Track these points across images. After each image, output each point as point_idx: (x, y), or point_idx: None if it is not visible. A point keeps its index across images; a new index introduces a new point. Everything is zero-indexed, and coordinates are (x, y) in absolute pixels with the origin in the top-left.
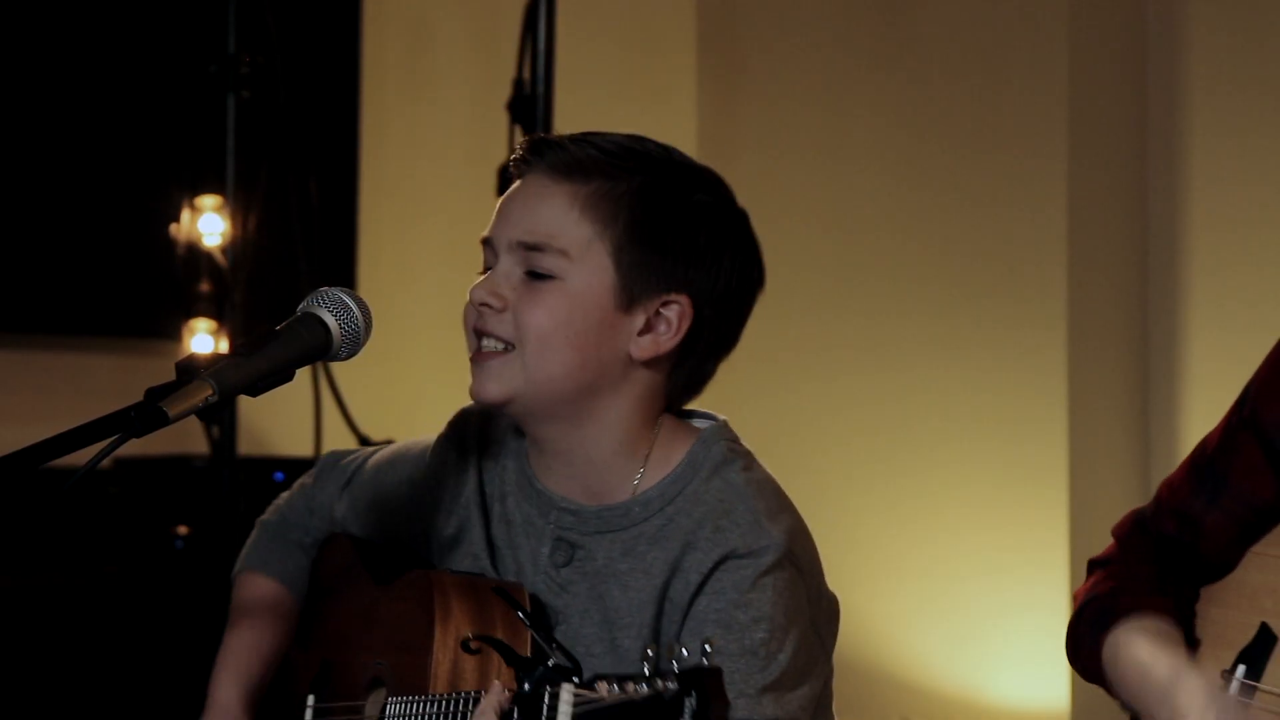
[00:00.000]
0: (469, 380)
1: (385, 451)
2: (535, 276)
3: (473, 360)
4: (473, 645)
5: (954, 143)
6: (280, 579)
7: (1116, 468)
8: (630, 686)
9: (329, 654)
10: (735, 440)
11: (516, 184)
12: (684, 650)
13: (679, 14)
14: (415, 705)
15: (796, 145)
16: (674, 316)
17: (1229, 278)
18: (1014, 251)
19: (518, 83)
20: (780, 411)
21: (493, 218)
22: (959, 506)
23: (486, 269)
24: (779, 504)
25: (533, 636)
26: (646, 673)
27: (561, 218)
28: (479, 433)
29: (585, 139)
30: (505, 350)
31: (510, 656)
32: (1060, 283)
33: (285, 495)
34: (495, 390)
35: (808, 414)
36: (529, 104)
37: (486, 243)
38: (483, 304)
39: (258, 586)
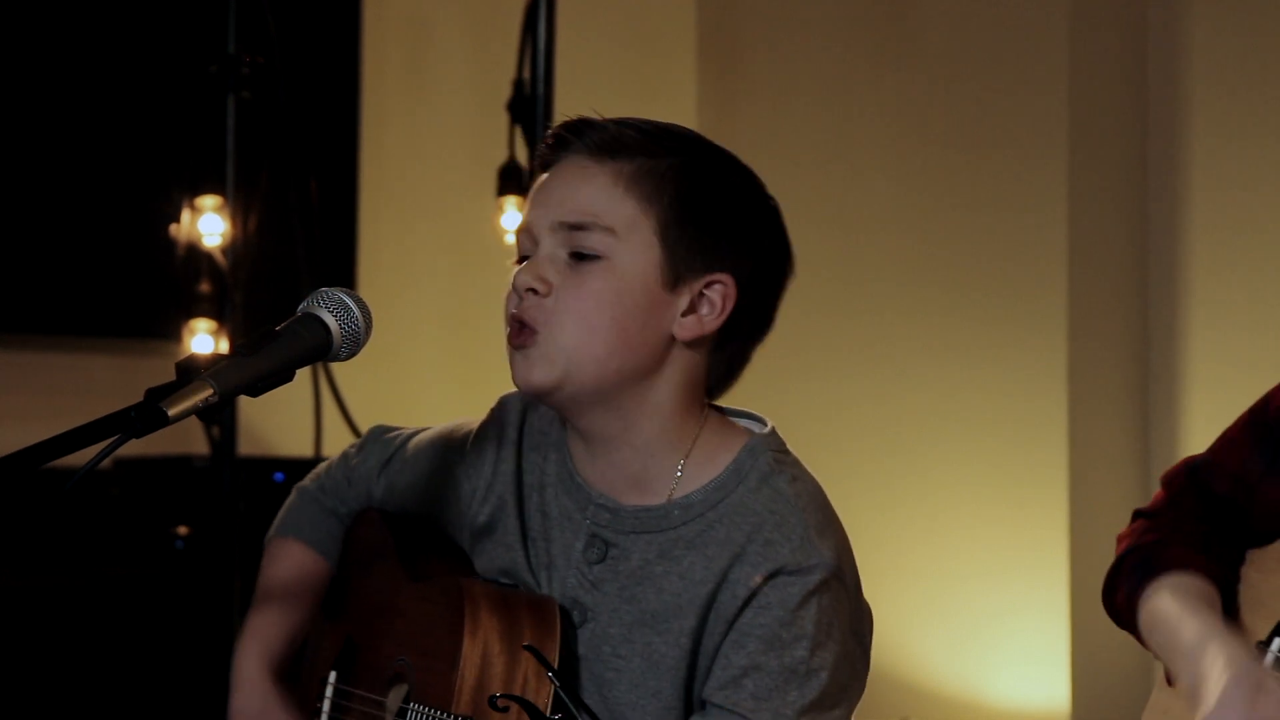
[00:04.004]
0: (469, 380)
1: (429, 433)
2: (580, 258)
3: (513, 347)
4: (500, 704)
5: (954, 143)
6: (315, 546)
7: (1116, 468)
8: None
9: (354, 632)
10: (783, 449)
11: (550, 170)
12: None
13: (679, 14)
14: None
15: (796, 145)
16: (718, 297)
17: (1229, 278)
18: (1014, 252)
19: (518, 83)
20: (780, 411)
21: (528, 206)
22: (959, 506)
23: (522, 259)
24: (826, 518)
25: (557, 692)
26: None
27: (606, 195)
28: (520, 422)
29: (619, 120)
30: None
31: (537, 717)
32: (1060, 283)
33: (326, 464)
34: (541, 376)
35: (808, 414)
36: (529, 104)
37: (523, 231)
38: (528, 289)
39: (292, 553)
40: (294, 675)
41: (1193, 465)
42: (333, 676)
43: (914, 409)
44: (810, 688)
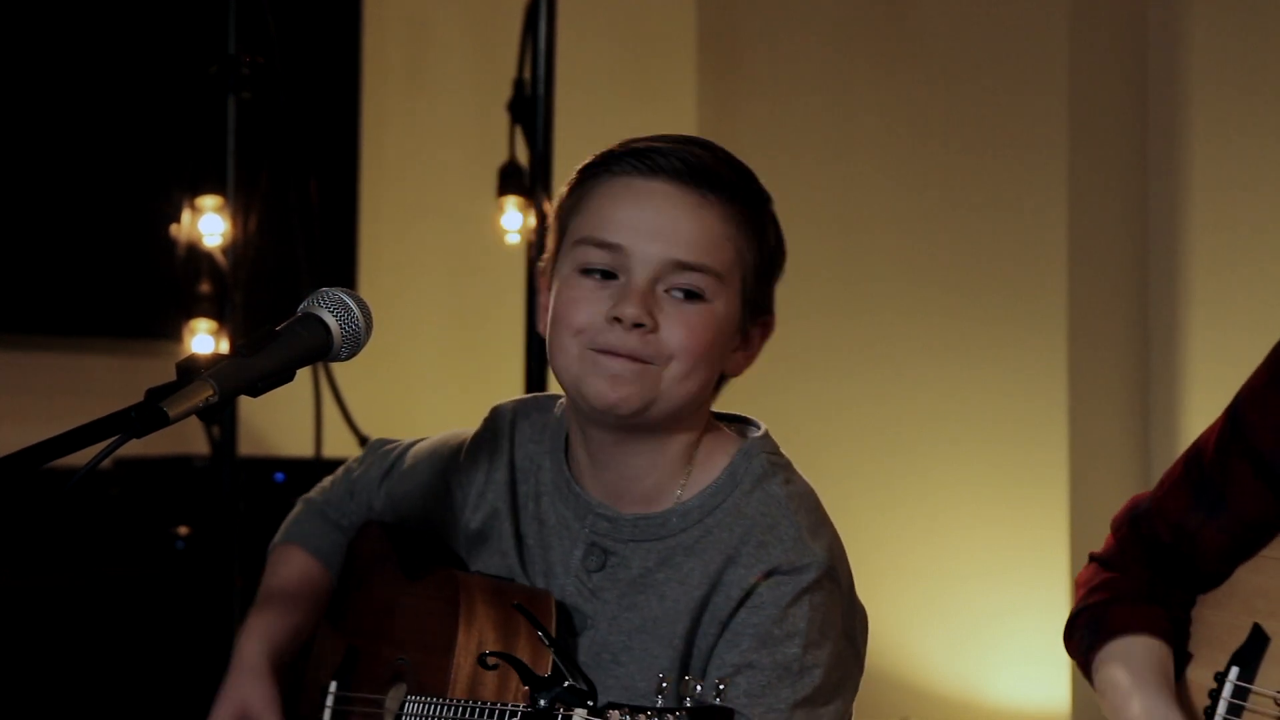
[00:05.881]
0: (469, 380)
1: (426, 442)
2: (684, 295)
3: (597, 359)
4: (490, 662)
5: (954, 143)
6: (318, 555)
7: (1116, 468)
8: (641, 718)
9: (355, 641)
10: (776, 451)
11: (639, 191)
12: (698, 687)
13: (679, 14)
14: (433, 707)
15: (796, 145)
16: (758, 334)
17: (1229, 278)
18: (1014, 252)
19: (518, 83)
20: (781, 411)
21: (618, 225)
22: (959, 506)
23: (596, 271)
24: (819, 518)
25: (554, 657)
26: (659, 704)
27: (718, 238)
28: (513, 430)
29: (706, 148)
30: (642, 362)
31: (527, 676)
32: (1060, 283)
33: (330, 477)
34: (636, 397)
35: (808, 414)
36: (529, 104)
37: (609, 249)
38: (636, 324)
39: (295, 560)
40: (296, 688)
41: (1137, 513)
42: (333, 686)
43: (914, 409)
44: (803, 684)
